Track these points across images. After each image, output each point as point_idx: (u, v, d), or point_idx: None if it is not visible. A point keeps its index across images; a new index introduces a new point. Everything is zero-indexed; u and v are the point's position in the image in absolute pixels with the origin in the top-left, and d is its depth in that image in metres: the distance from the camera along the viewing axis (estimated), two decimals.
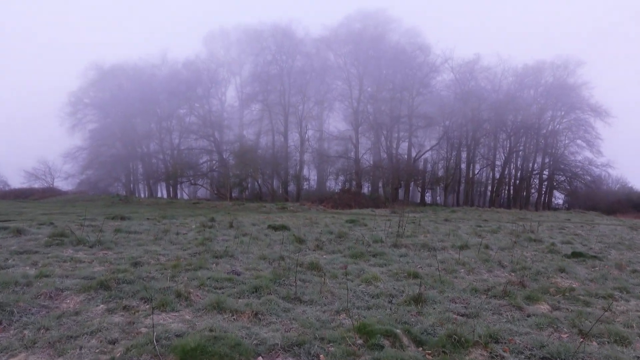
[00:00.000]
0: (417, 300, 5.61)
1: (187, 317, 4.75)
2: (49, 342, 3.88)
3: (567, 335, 4.74)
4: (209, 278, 6.29)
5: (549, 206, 55.36)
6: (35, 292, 5.20)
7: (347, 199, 35.83)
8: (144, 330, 4.22)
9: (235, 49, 53.03)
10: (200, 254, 8.29)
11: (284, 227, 13.88)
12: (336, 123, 54.67)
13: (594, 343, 4.51)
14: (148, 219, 16.59)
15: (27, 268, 6.58)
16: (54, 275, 6.05)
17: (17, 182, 51.00)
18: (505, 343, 4.40)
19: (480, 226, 19.73)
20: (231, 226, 13.64)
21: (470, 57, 52.08)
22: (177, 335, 4.05)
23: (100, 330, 4.16)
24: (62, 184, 51.08)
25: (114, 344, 3.92)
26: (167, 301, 5.03)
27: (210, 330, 4.19)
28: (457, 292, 6.31)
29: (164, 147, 52.21)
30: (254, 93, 49.98)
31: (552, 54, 64.17)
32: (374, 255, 9.00)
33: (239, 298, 5.54)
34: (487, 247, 11.70)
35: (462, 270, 8.02)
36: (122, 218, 15.09)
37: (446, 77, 54.20)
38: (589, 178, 54.34)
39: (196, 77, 51.30)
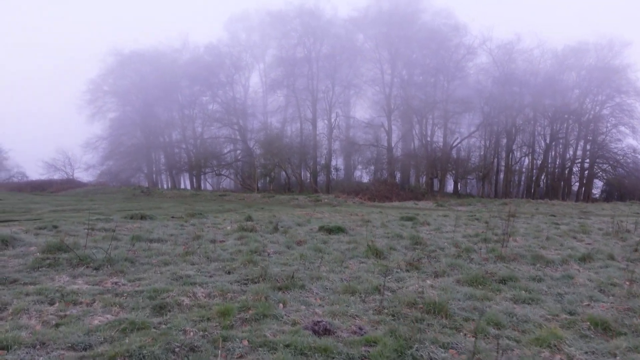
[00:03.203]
0: None
1: None
2: None
3: None
4: (287, 346, 3.58)
5: (589, 197, 51.39)
6: None
7: (385, 190, 32.93)
8: None
9: (258, 33, 50.22)
10: (254, 281, 5.61)
11: (339, 230, 11.15)
12: (364, 110, 51.54)
13: None
14: (173, 217, 14.07)
15: None
16: (19, 345, 3.41)
17: (36, 173, 49.67)
18: None
19: (556, 223, 16.72)
20: (275, 229, 10.97)
21: (509, 38, 48.18)
22: None
23: None
24: (82, 175, 49.50)
25: None
26: None
27: None
28: None
29: (187, 136, 50.02)
30: (280, 78, 47.12)
31: (595, 34, 58.77)
32: (502, 281, 6.17)
33: None
34: (611, 257, 8.88)
35: None
36: (143, 217, 12.59)
37: (484, 60, 50.39)
38: (632, 166, 50.16)
39: (218, 62, 48.75)
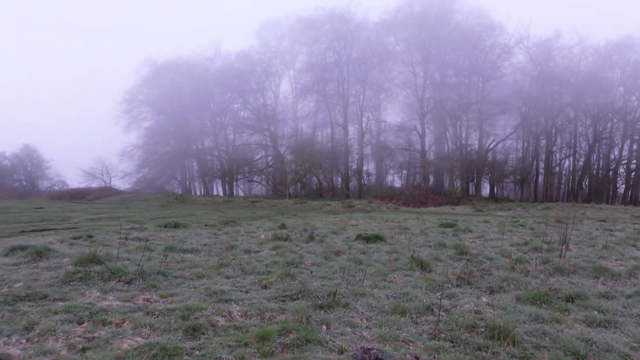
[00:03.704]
0: None
1: None
2: None
3: None
4: None
5: (635, 200, 48.55)
6: None
7: (420, 195, 32.00)
8: None
9: (289, 39, 50.40)
10: (293, 297, 5.18)
11: (378, 238, 10.61)
12: (394, 113, 50.70)
13: None
14: (206, 225, 13.89)
15: (7, 347, 3.70)
16: None
17: (75, 182, 51.31)
18: None
19: (609, 230, 15.56)
20: (311, 238, 10.54)
21: (547, 35, 46.40)
22: None
23: None
24: (119, 183, 50.82)
25: None
26: None
27: None
28: None
29: (219, 143, 50.58)
30: (310, 84, 47.01)
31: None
32: (569, 299, 5.50)
33: None
34: None
35: None
36: (176, 226, 12.43)
37: (521, 59, 48.68)
38: None
39: (249, 69, 49.17)
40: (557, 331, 4.35)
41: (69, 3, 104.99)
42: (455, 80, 46.79)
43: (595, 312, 5.04)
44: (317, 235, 11.17)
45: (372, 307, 4.99)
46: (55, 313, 4.43)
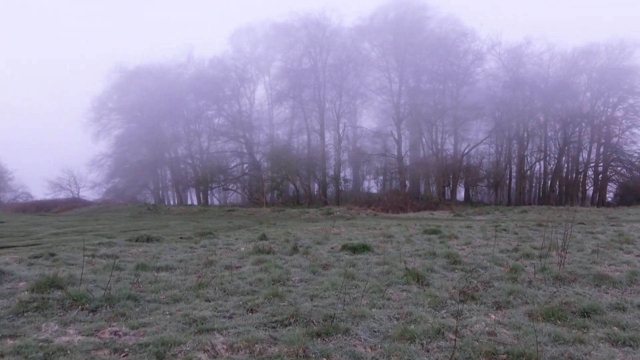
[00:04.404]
0: None
1: None
2: None
3: None
4: None
5: (603, 201, 49.93)
6: None
7: (398, 200, 31.76)
8: None
9: (263, 45, 49.75)
10: (285, 322, 4.57)
11: (365, 248, 10.10)
12: (370, 119, 50.64)
13: None
14: (181, 238, 13.09)
15: None
16: None
17: (41, 193, 49.07)
18: None
19: (590, 232, 15.56)
20: (295, 249, 9.93)
21: (518, 42, 47.34)
22: None
23: None
24: (88, 194, 48.90)
25: None
26: None
27: None
28: None
29: (193, 151, 49.32)
30: (285, 90, 46.43)
31: (606, 35, 57.76)
32: (584, 314, 5.08)
33: None
34: None
35: None
36: (149, 239, 11.60)
37: (493, 65, 49.49)
38: None
39: (224, 75, 48.22)
40: (585, 354, 3.90)
41: (34, 12, 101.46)
42: (430, 85, 47.09)
43: (616, 329, 4.63)
44: (300, 247, 10.57)
45: (375, 331, 4.43)
46: (1, 356, 3.68)
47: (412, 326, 4.42)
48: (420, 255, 9.51)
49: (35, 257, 8.69)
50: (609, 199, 51.87)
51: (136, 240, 11.55)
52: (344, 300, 5.42)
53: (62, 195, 46.68)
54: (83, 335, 4.26)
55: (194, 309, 5.16)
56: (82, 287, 5.75)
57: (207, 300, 5.57)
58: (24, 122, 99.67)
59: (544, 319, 4.89)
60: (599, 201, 49.20)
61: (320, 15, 45.59)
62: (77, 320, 4.70)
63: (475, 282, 6.63)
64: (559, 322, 4.81)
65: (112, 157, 47.68)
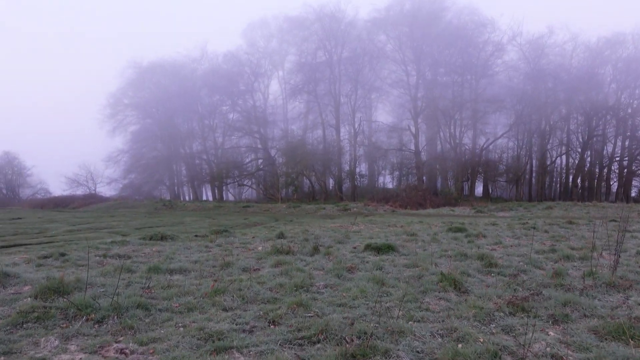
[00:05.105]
0: None
1: None
2: None
3: None
4: None
5: (628, 197, 48.29)
6: None
7: (417, 196, 30.96)
8: None
9: (277, 39, 49.18)
10: (312, 339, 4.00)
11: (389, 248, 9.48)
12: (386, 113, 49.73)
13: None
14: (196, 236, 12.64)
15: None
16: None
17: (59, 189, 49.43)
18: None
19: (627, 231, 14.60)
20: (315, 249, 9.36)
21: (539, 32, 45.81)
22: None
23: None
24: (105, 190, 49.08)
25: None
26: None
27: None
28: None
29: (208, 146, 49.11)
30: (300, 84, 45.77)
31: (632, 25, 55.41)
32: None
33: None
34: None
35: None
36: (163, 238, 11.15)
37: (513, 56, 48.03)
38: None
39: (237, 70, 47.81)
40: None
41: (49, 9, 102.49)
42: (447, 78, 45.97)
43: None
44: (321, 246, 10.00)
45: (420, 353, 3.82)
46: None
47: (463, 348, 3.80)
48: (450, 257, 8.86)
49: (45, 257, 8.29)
50: (634, 194, 50.22)
51: (150, 239, 11.12)
52: (378, 312, 4.82)
53: (79, 191, 46.99)
54: (85, 352, 3.75)
55: (210, 320, 4.62)
56: (88, 292, 5.27)
57: (224, 310, 5.03)
58: (42, 118, 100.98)
59: (612, 337, 4.22)
60: (624, 196, 47.61)
61: (335, 7, 44.82)
62: (81, 334, 4.19)
63: (520, 289, 5.97)
64: (632, 342, 4.14)
65: (128, 153, 47.78)
